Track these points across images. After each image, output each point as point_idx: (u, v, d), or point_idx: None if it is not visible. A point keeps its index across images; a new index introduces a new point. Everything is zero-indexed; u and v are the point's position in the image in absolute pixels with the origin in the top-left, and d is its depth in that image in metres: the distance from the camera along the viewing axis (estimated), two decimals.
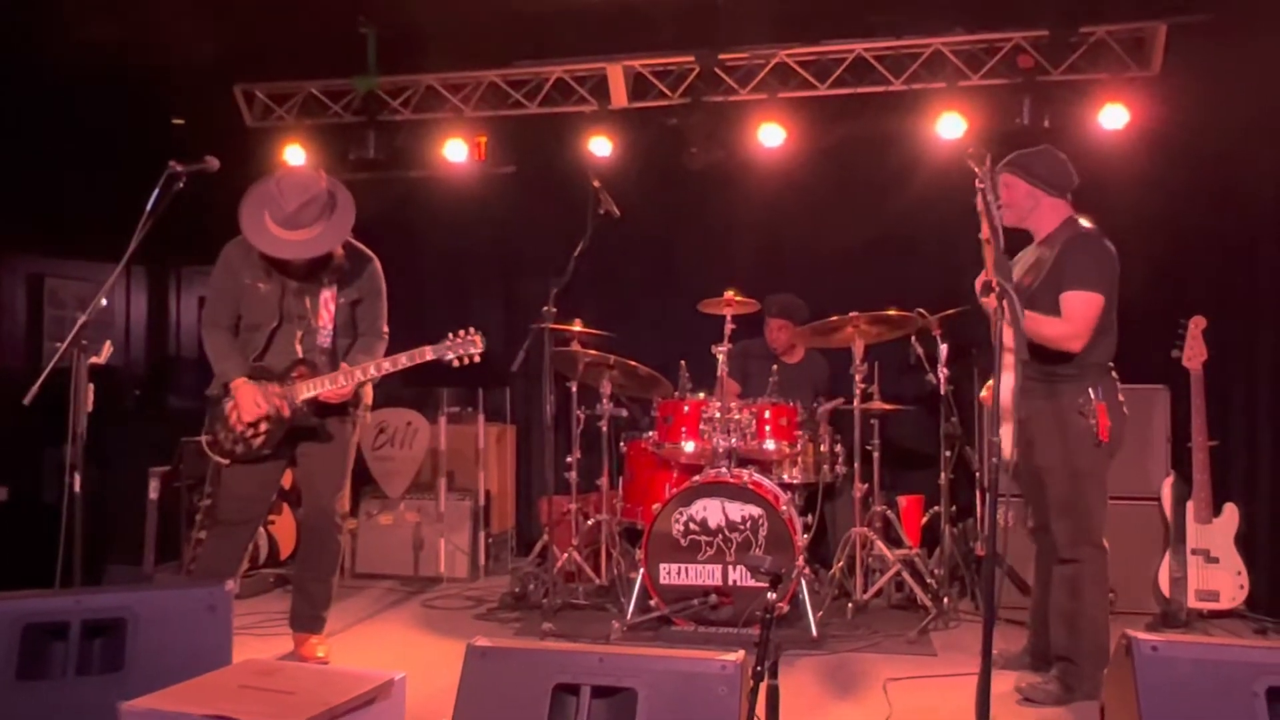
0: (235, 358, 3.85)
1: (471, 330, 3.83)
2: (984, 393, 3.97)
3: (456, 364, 3.83)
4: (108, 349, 3.51)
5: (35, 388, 3.20)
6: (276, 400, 3.79)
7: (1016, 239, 3.73)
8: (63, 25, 4.85)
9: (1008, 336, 3.02)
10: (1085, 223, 3.61)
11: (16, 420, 3.73)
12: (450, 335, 3.82)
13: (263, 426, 3.80)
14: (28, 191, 5.35)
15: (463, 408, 6.08)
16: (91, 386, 3.26)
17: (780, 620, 4.22)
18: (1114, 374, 3.58)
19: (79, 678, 2.59)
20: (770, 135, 5.54)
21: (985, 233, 3.27)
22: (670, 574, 4.33)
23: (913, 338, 4.93)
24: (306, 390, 3.79)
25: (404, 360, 3.80)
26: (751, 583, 4.23)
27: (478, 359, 3.84)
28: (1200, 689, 2.29)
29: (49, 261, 5.88)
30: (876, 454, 4.97)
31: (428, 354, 3.81)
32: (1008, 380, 3.27)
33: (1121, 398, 3.56)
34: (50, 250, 5.86)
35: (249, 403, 3.77)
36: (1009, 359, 3.02)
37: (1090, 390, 3.47)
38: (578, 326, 4.96)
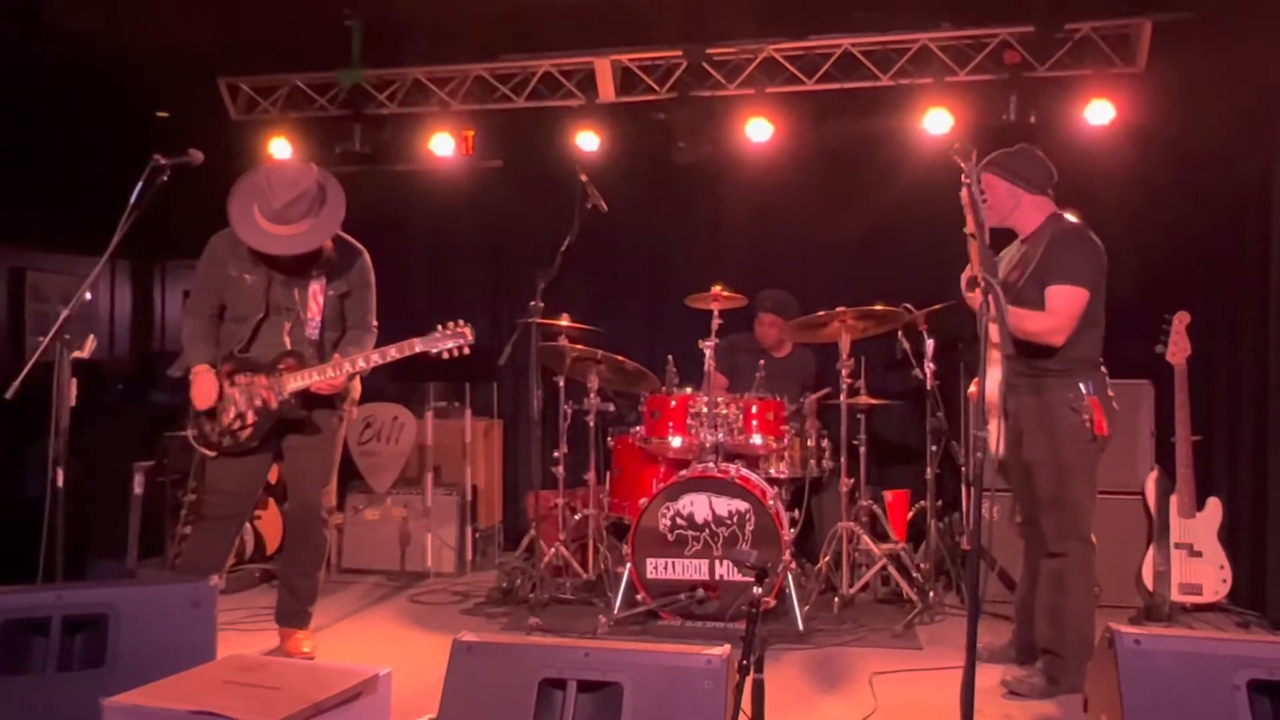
0: (203, 346, 3.85)
1: (460, 322, 3.80)
2: (972, 388, 3.98)
3: (446, 355, 3.81)
4: (91, 343, 3.48)
5: (17, 382, 3.18)
6: (263, 392, 3.77)
7: (1002, 236, 3.75)
8: (46, 18, 4.81)
9: (993, 331, 3.03)
10: (1070, 218, 3.63)
11: None
12: (439, 327, 3.80)
13: (250, 418, 3.79)
14: (10, 185, 5.32)
15: (449, 402, 6.07)
16: (74, 381, 3.23)
17: (766, 615, 4.20)
18: (1103, 369, 3.60)
19: (60, 673, 2.57)
20: (758, 130, 5.54)
21: (971, 227, 3.27)
22: (657, 569, 4.34)
23: (899, 333, 4.94)
24: (294, 382, 3.77)
25: (393, 352, 3.78)
26: (738, 577, 4.24)
27: (467, 351, 3.82)
28: (1182, 682, 2.30)
29: (31, 255, 5.85)
30: (863, 449, 4.99)
31: (416, 346, 3.79)
32: (995, 375, 3.28)
33: (1111, 393, 3.57)
34: (33, 244, 5.83)
35: (202, 391, 3.76)
36: (996, 354, 3.03)
37: (1081, 386, 3.49)
38: (565, 321, 4.95)
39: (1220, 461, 5.02)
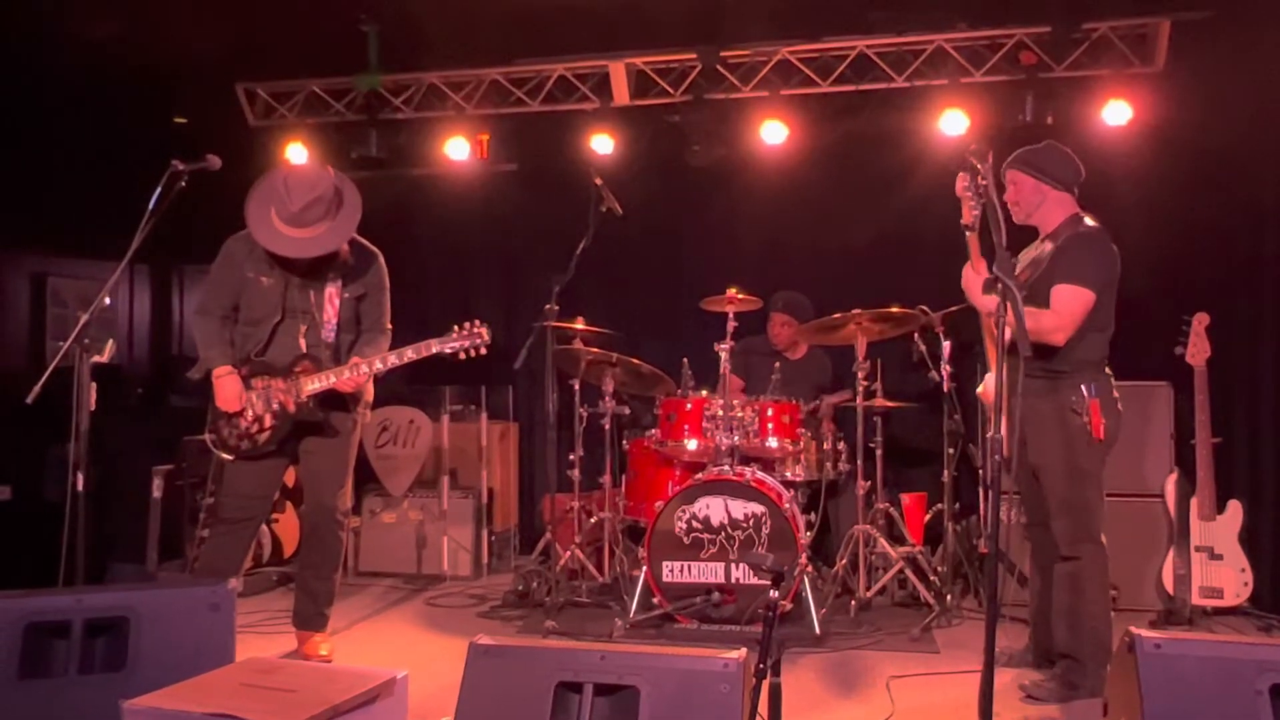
0: (221, 346, 3.86)
1: (477, 323, 3.82)
2: (981, 388, 3.96)
3: (463, 357, 3.83)
4: (110, 348, 3.52)
5: (38, 387, 3.21)
6: (281, 396, 3.79)
7: (1022, 235, 3.72)
8: (65, 24, 4.85)
9: (1005, 333, 3.00)
10: (1090, 221, 3.60)
11: (19, 419, 3.74)
12: (456, 328, 3.82)
13: (268, 421, 3.80)
14: (30, 190, 5.36)
15: (465, 405, 6.08)
16: (94, 385, 3.26)
17: (783, 618, 4.20)
18: (1108, 371, 3.57)
19: (81, 676, 2.59)
20: (772, 132, 5.53)
21: (967, 218, 3.26)
22: (673, 572, 4.33)
23: (915, 335, 4.92)
24: (311, 385, 3.79)
25: (410, 354, 3.80)
26: (754, 580, 4.23)
27: (484, 351, 3.84)
28: (1203, 686, 2.28)
29: (52, 260, 5.89)
30: (879, 451, 4.97)
31: (434, 347, 3.81)
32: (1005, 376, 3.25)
33: (1116, 394, 3.54)
34: (53, 249, 5.87)
35: (230, 394, 3.77)
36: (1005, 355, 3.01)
37: (1083, 388, 3.45)
38: (580, 324, 4.96)
39: (1241, 464, 4.98)
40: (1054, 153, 3.65)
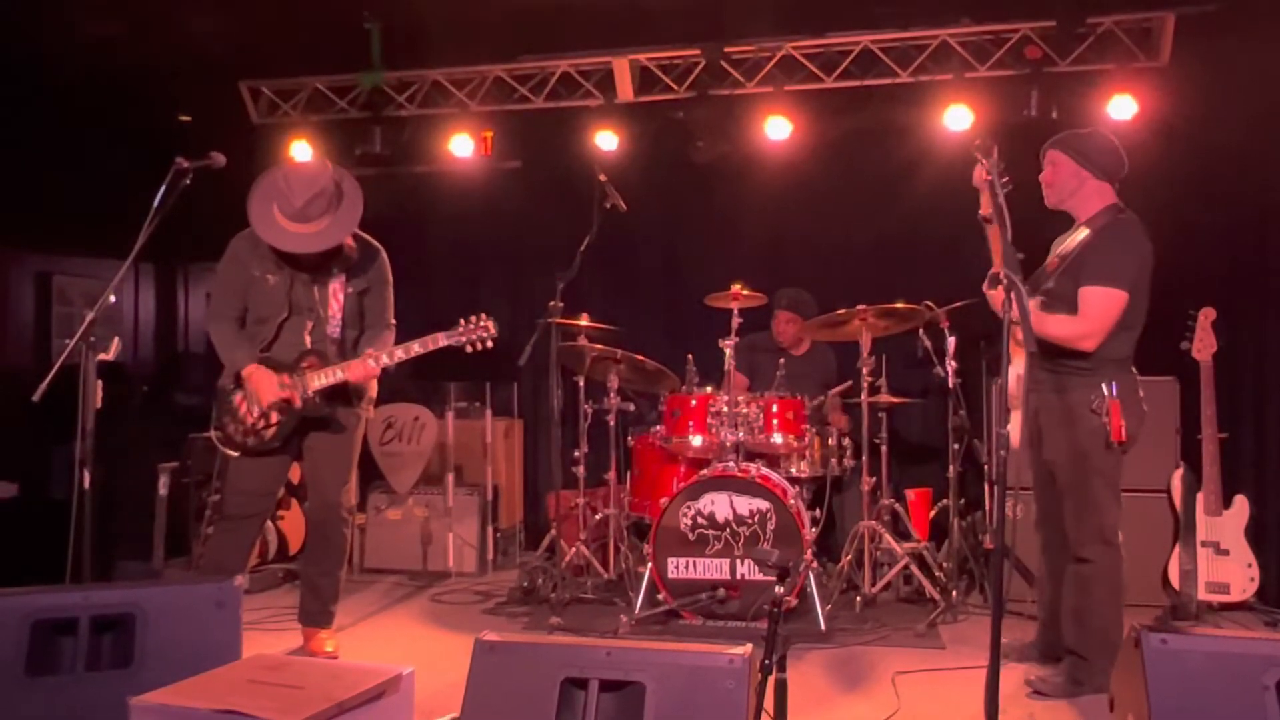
0: (245, 347, 3.86)
1: (483, 316, 3.83)
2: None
3: (470, 350, 3.84)
4: (116, 346, 3.52)
5: (44, 385, 3.21)
6: (288, 391, 3.79)
7: (1056, 221, 3.68)
8: (69, 22, 4.86)
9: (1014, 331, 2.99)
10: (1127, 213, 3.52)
11: (25, 417, 3.74)
12: (462, 321, 3.83)
13: (274, 418, 3.81)
14: (35, 189, 5.37)
15: (470, 402, 6.09)
16: (100, 383, 3.26)
17: (788, 614, 4.22)
18: (1133, 369, 3.51)
19: (88, 673, 2.60)
20: (776, 128, 5.52)
21: (986, 210, 3.22)
22: (678, 568, 4.33)
23: (920, 331, 4.91)
24: (318, 380, 3.79)
25: (416, 348, 3.81)
26: (759, 576, 4.23)
27: (490, 344, 3.85)
28: (1210, 682, 2.28)
29: (57, 259, 5.91)
30: (884, 447, 4.96)
31: (440, 340, 3.82)
32: (1016, 369, 3.24)
33: (1142, 393, 3.49)
34: (58, 248, 5.89)
35: (268, 386, 3.76)
36: (1018, 347, 2.99)
37: (1104, 387, 3.38)
38: (584, 321, 4.97)
39: (1247, 459, 4.97)
40: (1099, 140, 3.56)
